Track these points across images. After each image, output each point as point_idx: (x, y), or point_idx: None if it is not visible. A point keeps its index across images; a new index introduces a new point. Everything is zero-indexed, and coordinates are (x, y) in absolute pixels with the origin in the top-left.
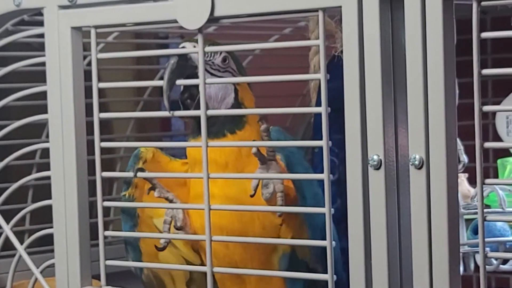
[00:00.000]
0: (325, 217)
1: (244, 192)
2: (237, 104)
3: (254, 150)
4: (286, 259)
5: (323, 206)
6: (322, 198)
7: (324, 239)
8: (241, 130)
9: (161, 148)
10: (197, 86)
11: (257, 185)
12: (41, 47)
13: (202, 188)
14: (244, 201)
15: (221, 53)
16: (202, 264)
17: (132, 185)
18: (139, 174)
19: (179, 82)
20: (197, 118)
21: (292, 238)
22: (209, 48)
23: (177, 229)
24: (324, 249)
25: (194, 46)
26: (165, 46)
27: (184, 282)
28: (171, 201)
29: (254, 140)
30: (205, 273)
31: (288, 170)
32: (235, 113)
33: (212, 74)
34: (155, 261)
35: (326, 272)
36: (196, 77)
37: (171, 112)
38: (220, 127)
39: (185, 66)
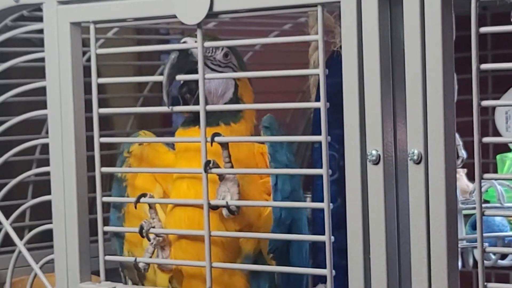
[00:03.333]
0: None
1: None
2: (236, 98)
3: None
4: (250, 261)
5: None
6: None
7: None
8: (236, 124)
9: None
10: (196, 81)
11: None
12: (40, 43)
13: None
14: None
15: (222, 48)
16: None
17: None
18: (131, 169)
19: (179, 77)
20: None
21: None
22: (208, 43)
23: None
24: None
25: (196, 41)
26: (166, 42)
27: None
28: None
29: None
30: None
31: (270, 157)
32: (234, 108)
33: (212, 70)
34: (139, 248)
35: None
36: (197, 72)
37: (170, 107)
38: (216, 117)
39: (186, 62)
